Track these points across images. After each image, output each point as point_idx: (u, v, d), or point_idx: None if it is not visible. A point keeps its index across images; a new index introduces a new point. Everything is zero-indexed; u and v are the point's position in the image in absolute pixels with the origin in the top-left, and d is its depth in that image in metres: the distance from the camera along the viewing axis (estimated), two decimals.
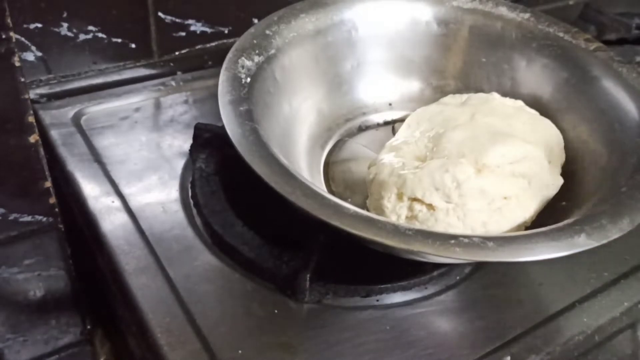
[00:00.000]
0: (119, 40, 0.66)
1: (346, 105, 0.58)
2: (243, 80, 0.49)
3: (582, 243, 0.40)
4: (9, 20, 0.48)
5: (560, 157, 0.53)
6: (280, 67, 0.53)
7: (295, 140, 0.53)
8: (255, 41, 0.53)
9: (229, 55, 0.51)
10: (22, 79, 0.51)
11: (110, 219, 0.53)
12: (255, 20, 0.72)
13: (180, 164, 0.59)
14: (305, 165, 0.52)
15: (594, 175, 0.50)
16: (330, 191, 0.54)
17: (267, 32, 0.54)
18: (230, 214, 0.52)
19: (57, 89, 0.66)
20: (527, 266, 0.51)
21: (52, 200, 0.59)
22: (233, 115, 0.45)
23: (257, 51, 0.52)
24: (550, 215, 0.48)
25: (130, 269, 0.49)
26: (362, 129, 0.60)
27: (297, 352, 0.44)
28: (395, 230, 0.38)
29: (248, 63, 0.51)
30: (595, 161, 0.50)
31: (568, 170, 0.50)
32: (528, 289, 0.50)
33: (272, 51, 0.53)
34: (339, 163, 0.57)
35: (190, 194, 0.56)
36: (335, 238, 0.45)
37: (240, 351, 0.44)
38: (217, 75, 0.72)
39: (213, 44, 0.72)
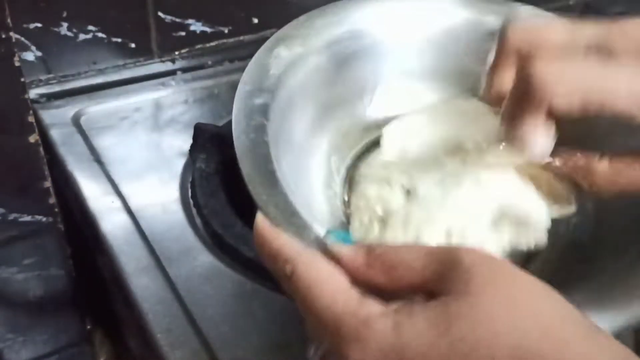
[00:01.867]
0: (119, 40, 0.66)
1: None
2: (271, 71, 0.44)
3: None
4: (9, 20, 0.48)
5: None
6: (325, 60, 0.48)
7: (321, 139, 0.48)
8: (302, 30, 0.48)
9: (267, 42, 0.46)
10: (22, 79, 0.51)
11: (110, 219, 0.53)
12: (256, 20, 0.72)
13: (180, 164, 0.59)
14: (324, 166, 0.48)
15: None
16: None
17: (319, 21, 0.49)
18: (230, 214, 0.52)
19: (57, 89, 0.66)
20: None
21: (52, 200, 0.59)
22: (244, 106, 0.42)
23: (300, 41, 0.47)
24: None
25: (130, 269, 0.49)
26: None
27: (297, 352, 0.44)
28: None
29: (285, 53, 0.46)
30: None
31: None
32: None
33: (320, 43, 0.48)
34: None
35: (190, 194, 0.56)
36: None
37: (240, 351, 0.44)
38: (217, 75, 0.73)
39: (213, 44, 0.72)
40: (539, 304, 0.27)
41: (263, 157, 0.40)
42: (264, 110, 0.43)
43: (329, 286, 0.30)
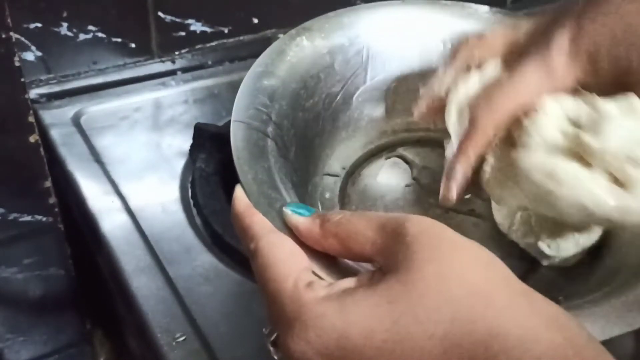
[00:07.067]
0: (119, 40, 0.66)
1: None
2: (288, 58, 0.45)
3: None
4: (9, 20, 0.48)
5: None
6: (344, 57, 0.48)
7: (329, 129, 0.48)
8: (327, 25, 0.48)
9: (291, 31, 0.47)
10: (22, 79, 0.51)
11: (110, 219, 0.53)
12: (256, 20, 0.72)
13: (180, 164, 0.59)
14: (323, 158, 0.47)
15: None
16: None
17: (345, 19, 0.49)
18: (230, 214, 0.52)
19: (57, 89, 0.66)
20: None
21: (52, 200, 0.59)
22: (252, 84, 0.42)
23: (323, 34, 0.47)
24: None
25: (130, 269, 0.49)
26: (420, 142, 0.52)
27: None
28: None
29: (306, 43, 0.46)
30: None
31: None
32: None
33: (342, 40, 0.48)
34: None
35: (190, 194, 0.56)
36: None
37: (240, 351, 0.44)
38: (217, 75, 0.72)
39: (213, 43, 0.72)
40: (472, 272, 0.28)
41: (256, 132, 0.40)
42: (271, 92, 0.43)
43: (284, 268, 0.31)
